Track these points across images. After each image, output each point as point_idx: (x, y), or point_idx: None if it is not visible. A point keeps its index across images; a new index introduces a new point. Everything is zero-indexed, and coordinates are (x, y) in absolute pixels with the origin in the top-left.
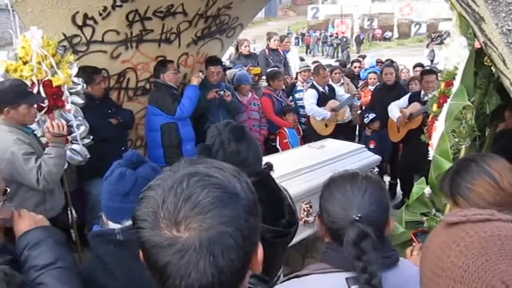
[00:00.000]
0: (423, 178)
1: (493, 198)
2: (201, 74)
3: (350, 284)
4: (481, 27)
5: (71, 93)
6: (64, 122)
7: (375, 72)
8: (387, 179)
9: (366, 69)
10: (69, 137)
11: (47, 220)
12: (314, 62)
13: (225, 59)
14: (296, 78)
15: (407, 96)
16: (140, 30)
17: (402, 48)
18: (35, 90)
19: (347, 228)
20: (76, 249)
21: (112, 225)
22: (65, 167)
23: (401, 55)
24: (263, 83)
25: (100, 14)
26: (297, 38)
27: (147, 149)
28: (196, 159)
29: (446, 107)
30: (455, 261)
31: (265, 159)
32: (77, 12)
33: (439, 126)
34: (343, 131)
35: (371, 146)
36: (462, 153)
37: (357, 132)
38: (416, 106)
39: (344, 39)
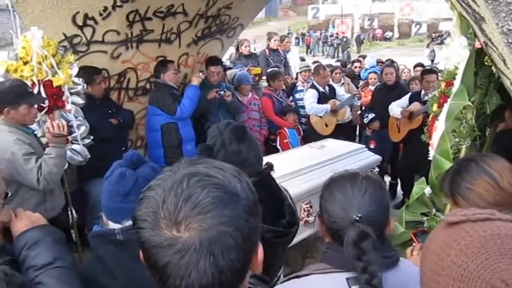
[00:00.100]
0: (423, 178)
1: (493, 198)
2: (201, 74)
3: (351, 284)
4: (481, 27)
5: (71, 94)
6: (64, 122)
7: (375, 72)
8: (387, 179)
9: (366, 69)
10: (69, 137)
11: (47, 220)
12: (314, 62)
13: (225, 59)
14: (296, 78)
15: (407, 96)
16: (140, 30)
17: (402, 48)
18: (35, 91)
19: (347, 228)
20: (76, 250)
21: (112, 225)
22: (66, 167)
23: (401, 55)
24: (263, 83)
25: (100, 14)
26: (297, 38)
27: (147, 149)
28: (196, 159)
29: (446, 106)
30: (455, 260)
31: (266, 159)
32: (78, 12)
33: (439, 126)
34: (343, 131)
35: (371, 146)
36: (462, 153)
37: (357, 132)
38: (416, 106)
39: (345, 39)
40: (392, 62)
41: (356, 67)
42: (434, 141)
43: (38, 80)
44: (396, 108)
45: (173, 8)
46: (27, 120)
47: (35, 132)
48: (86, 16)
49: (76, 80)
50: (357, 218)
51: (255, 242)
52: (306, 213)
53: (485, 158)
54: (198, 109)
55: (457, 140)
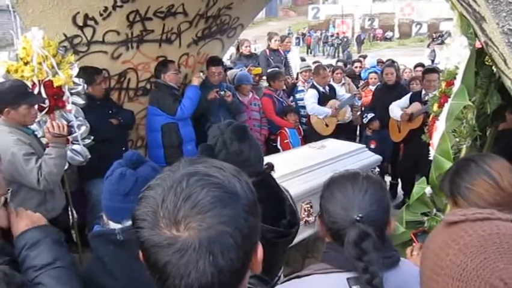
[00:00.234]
0: (424, 178)
1: (492, 198)
2: (201, 74)
3: (351, 284)
4: (481, 27)
5: (71, 94)
6: (65, 123)
7: (376, 72)
8: (388, 179)
9: (367, 69)
10: (70, 138)
11: (48, 220)
12: (315, 62)
13: (226, 59)
14: (297, 79)
15: (407, 96)
16: (140, 30)
17: (403, 48)
18: (36, 91)
19: (347, 228)
20: (77, 250)
21: (113, 225)
22: (66, 167)
23: (402, 55)
24: (264, 83)
25: (101, 15)
26: (297, 38)
27: (148, 149)
28: (196, 159)
29: (446, 106)
30: (454, 260)
31: (266, 159)
32: (78, 12)
33: (440, 126)
34: (344, 131)
35: (372, 146)
36: (463, 153)
37: (357, 133)
38: (416, 106)
39: (345, 39)
40: (393, 62)
41: (356, 67)
42: (435, 141)
43: (39, 81)
44: (396, 109)
45: (173, 8)
46: (28, 120)
47: (36, 133)
48: (86, 16)
49: (77, 80)
50: (357, 218)
51: (255, 242)
52: (306, 213)
53: (485, 158)
54: (198, 109)
55: (458, 140)
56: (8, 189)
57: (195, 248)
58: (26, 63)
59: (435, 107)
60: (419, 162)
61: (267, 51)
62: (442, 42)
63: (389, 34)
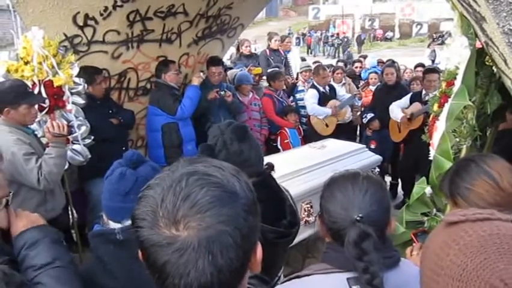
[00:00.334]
0: (424, 178)
1: (492, 198)
2: (202, 74)
3: (352, 285)
4: (482, 27)
5: (72, 94)
6: (65, 122)
7: (376, 72)
8: (388, 179)
9: (367, 70)
10: (70, 137)
11: (48, 220)
12: (315, 62)
13: (226, 59)
14: (297, 79)
15: (408, 96)
16: (141, 30)
17: (403, 48)
18: (36, 91)
19: (348, 228)
20: (77, 250)
21: (113, 225)
22: (66, 167)
23: (402, 55)
24: (264, 83)
25: (101, 14)
26: (298, 38)
27: (148, 149)
28: (195, 159)
29: (447, 106)
30: (454, 260)
31: (266, 159)
32: (78, 12)
33: (440, 126)
34: (344, 131)
35: (372, 146)
36: (463, 153)
37: (358, 133)
38: (417, 106)
39: (345, 40)
40: (393, 62)
41: (356, 67)
42: (435, 141)
43: (39, 80)
44: (396, 110)
45: (173, 8)
46: (28, 120)
47: (36, 132)
48: (86, 16)
49: (77, 80)
50: (358, 218)
51: (254, 241)
52: (306, 213)
53: (485, 158)
54: (199, 109)
55: (458, 140)
56: (10, 192)
57: (194, 248)
58: (26, 63)
59: (435, 107)
60: (419, 162)
61: (267, 51)
62: (442, 43)
63: (389, 34)
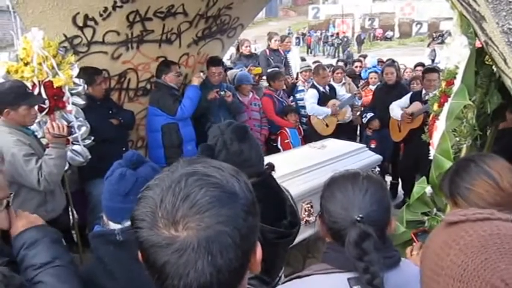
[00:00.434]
0: (424, 177)
1: (492, 198)
2: (202, 74)
3: (352, 285)
4: (481, 26)
5: (72, 94)
6: (65, 123)
7: (376, 72)
8: (388, 178)
9: (367, 69)
10: (70, 138)
11: (48, 221)
12: (315, 62)
13: (226, 59)
14: (297, 78)
15: (408, 96)
16: (140, 30)
17: (403, 47)
18: (36, 91)
19: (348, 228)
20: (77, 250)
21: (113, 225)
22: (67, 167)
23: (402, 55)
24: (264, 83)
25: (101, 15)
26: (298, 38)
27: (148, 150)
28: (195, 159)
29: (447, 106)
30: (455, 260)
31: (267, 159)
32: (78, 13)
33: (440, 126)
34: (344, 131)
35: (372, 146)
36: (463, 153)
37: (358, 132)
38: (417, 106)
39: (345, 39)
40: (393, 61)
41: (356, 67)
42: (435, 140)
43: (39, 81)
44: (396, 109)
45: (173, 9)
46: (27, 121)
47: (36, 133)
48: (86, 17)
49: (77, 80)
50: (358, 218)
51: (254, 242)
52: (307, 213)
53: (484, 158)
54: (199, 109)
55: (458, 139)
56: (11, 193)
57: (193, 248)
58: (26, 64)
59: (435, 107)
60: (420, 162)
61: (267, 51)
62: (442, 42)
63: (389, 34)
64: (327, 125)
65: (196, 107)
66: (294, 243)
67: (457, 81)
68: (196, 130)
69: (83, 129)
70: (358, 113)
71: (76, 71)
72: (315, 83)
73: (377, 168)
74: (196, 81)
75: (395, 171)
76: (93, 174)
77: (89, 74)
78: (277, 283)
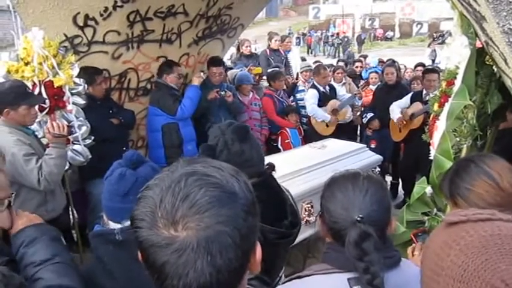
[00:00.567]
0: (424, 177)
1: (493, 199)
2: (202, 74)
3: (352, 285)
4: (482, 27)
5: (72, 94)
6: (65, 123)
7: (376, 72)
8: (388, 178)
9: (368, 69)
10: (70, 138)
11: (48, 221)
12: (315, 62)
13: (226, 59)
14: (297, 78)
15: (408, 96)
16: (141, 30)
17: (403, 47)
18: (36, 91)
19: (348, 228)
20: (78, 250)
21: (113, 225)
22: (67, 167)
23: (402, 55)
24: (264, 83)
25: (101, 15)
26: (298, 38)
27: (148, 150)
28: (195, 159)
29: (447, 106)
30: (455, 260)
31: (267, 159)
32: (78, 12)
33: (440, 126)
34: (344, 131)
35: (372, 146)
36: (463, 153)
37: (358, 132)
38: (417, 106)
39: (345, 39)
40: (393, 61)
41: (357, 67)
42: (435, 140)
43: (39, 81)
44: (396, 110)
45: (173, 8)
46: (27, 120)
47: (36, 133)
48: (86, 16)
49: (77, 80)
50: (358, 219)
51: (253, 242)
52: (307, 213)
53: (484, 159)
54: (199, 109)
55: (458, 139)
56: (12, 193)
57: (193, 248)
58: (26, 64)
59: (435, 107)
60: (420, 162)
61: (268, 51)
62: (443, 42)
63: (389, 34)
64: (327, 125)
65: (196, 107)
66: (295, 243)
67: (458, 82)
68: (196, 130)
69: (84, 128)
70: (358, 113)
71: (76, 70)
72: (316, 83)
73: (377, 168)
74: (196, 81)
75: (395, 171)
76: (93, 173)
77: (89, 73)
78: (277, 283)
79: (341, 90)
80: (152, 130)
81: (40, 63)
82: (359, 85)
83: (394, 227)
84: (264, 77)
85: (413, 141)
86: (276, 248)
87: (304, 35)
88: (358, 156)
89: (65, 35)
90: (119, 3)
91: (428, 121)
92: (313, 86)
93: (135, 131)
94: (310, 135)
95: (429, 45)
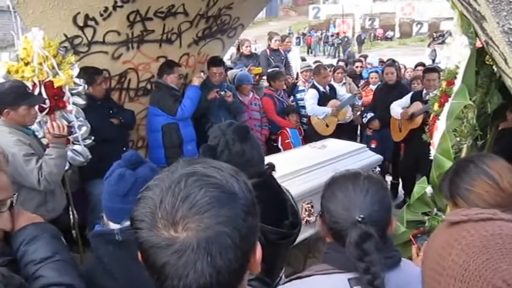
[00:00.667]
0: (424, 177)
1: (493, 199)
2: (202, 74)
3: (353, 285)
4: (482, 26)
5: (72, 94)
6: (65, 123)
7: (376, 72)
8: (389, 178)
9: (369, 69)
10: (71, 138)
11: (48, 221)
12: (315, 62)
13: (226, 59)
14: (297, 78)
15: (408, 96)
16: (141, 30)
17: (404, 47)
18: (36, 91)
19: (349, 229)
20: (78, 250)
21: (113, 225)
22: (67, 167)
23: (402, 55)
24: (264, 83)
25: (101, 15)
26: (298, 38)
27: (148, 150)
28: (195, 159)
29: (447, 106)
30: (456, 260)
31: (267, 159)
32: (78, 13)
33: (440, 126)
34: (344, 131)
35: (373, 146)
36: (463, 153)
37: (358, 132)
38: (418, 105)
39: (345, 39)
40: (393, 61)
41: (357, 67)
42: (435, 140)
43: (39, 81)
44: (397, 108)
45: (173, 8)
46: (27, 121)
47: (36, 133)
48: (86, 17)
49: (77, 80)
50: (359, 219)
51: (253, 242)
52: (307, 213)
53: (484, 159)
54: (199, 109)
55: (458, 139)
56: (14, 194)
57: (193, 249)
58: (26, 64)
59: (435, 107)
60: (420, 162)
61: (268, 51)
62: (443, 42)
63: (389, 34)
64: (327, 125)
65: (196, 107)
66: (295, 243)
67: (458, 81)
68: (196, 130)
69: (84, 129)
70: (358, 113)
71: (76, 70)
72: (316, 83)
73: (378, 168)
74: (196, 81)
75: (396, 171)
76: (93, 174)
77: (89, 73)
78: (277, 283)
79: (341, 90)
80: (152, 130)
81: (40, 64)
82: (359, 85)
83: (395, 227)
84: (264, 77)
85: (413, 141)
86: (277, 248)
87: (304, 35)
88: (358, 156)
89: (65, 35)
90: (119, 3)
91: (428, 121)
92: (314, 86)
93: (135, 131)
94: (310, 135)
95: (429, 45)
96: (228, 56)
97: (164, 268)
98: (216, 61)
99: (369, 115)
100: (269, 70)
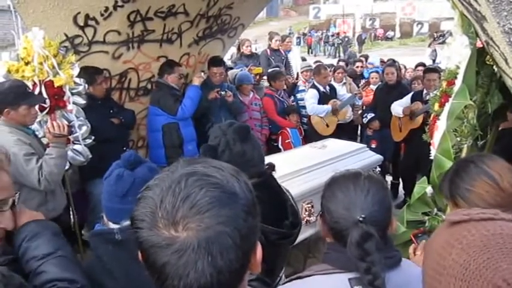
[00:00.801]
0: (425, 177)
1: (493, 199)
2: (202, 74)
3: (353, 285)
4: (482, 26)
5: (72, 94)
6: (65, 122)
7: (377, 72)
8: (389, 178)
9: (369, 69)
10: (71, 138)
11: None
12: (316, 62)
13: (227, 59)
14: (297, 78)
15: (409, 96)
16: (141, 30)
17: (404, 47)
18: (36, 91)
19: (350, 229)
20: (78, 250)
21: (113, 225)
22: (67, 167)
23: (403, 55)
24: (264, 83)
25: (102, 15)
26: (298, 38)
27: (149, 150)
28: (195, 159)
29: (447, 106)
30: (457, 259)
31: (267, 159)
32: (79, 12)
33: (441, 125)
34: (344, 131)
35: (373, 146)
36: (464, 153)
37: (358, 132)
38: (418, 105)
39: (346, 39)
40: (393, 61)
41: (357, 67)
42: (436, 140)
43: (40, 81)
44: (398, 108)
45: (174, 8)
46: (28, 120)
47: (37, 133)
48: (87, 16)
49: (77, 80)
50: (360, 219)
51: (254, 242)
52: (307, 213)
53: (484, 159)
54: (199, 109)
55: (459, 139)
56: (16, 193)
57: (193, 249)
58: (27, 63)
59: (436, 107)
60: (420, 162)
61: (268, 51)
62: (443, 42)
63: (390, 34)
64: (327, 125)
65: (197, 107)
66: (295, 243)
67: (458, 81)
68: (196, 130)
69: (84, 128)
70: (359, 113)
71: (76, 70)
72: (316, 83)
73: (378, 168)
74: (197, 81)
75: (396, 171)
76: (94, 173)
77: (89, 73)
78: (277, 283)
79: (341, 90)
80: (152, 130)
81: (40, 63)
82: (360, 85)
83: (395, 227)
84: (265, 77)
85: (413, 141)
86: (277, 248)
87: (304, 34)
88: (358, 156)
89: (66, 35)
90: (119, 3)
91: (428, 121)
92: (314, 86)
93: (135, 131)
94: (310, 135)
95: (429, 45)
96: (229, 55)
97: (164, 268)
98: (217, 61)
99: (370, 115)
100: (269, 70)
